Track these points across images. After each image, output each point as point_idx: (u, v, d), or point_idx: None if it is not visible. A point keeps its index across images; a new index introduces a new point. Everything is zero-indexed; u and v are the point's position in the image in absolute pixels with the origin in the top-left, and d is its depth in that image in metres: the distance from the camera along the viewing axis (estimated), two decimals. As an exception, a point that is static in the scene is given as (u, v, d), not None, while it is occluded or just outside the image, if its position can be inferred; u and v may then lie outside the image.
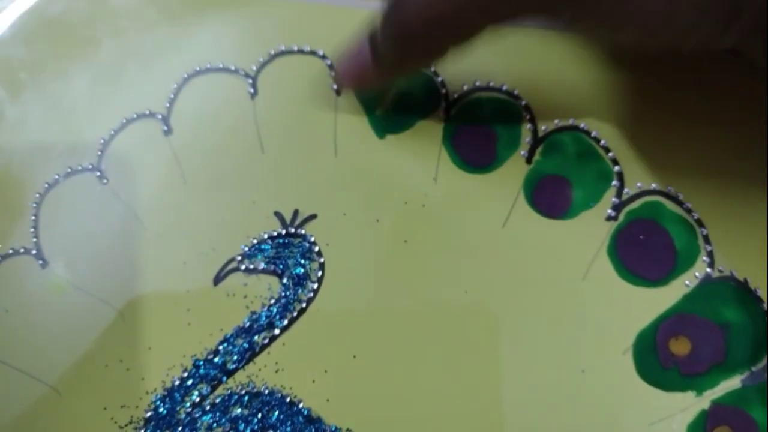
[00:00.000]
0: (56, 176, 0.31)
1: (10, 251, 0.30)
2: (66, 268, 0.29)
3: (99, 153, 0.31)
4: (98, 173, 0.30)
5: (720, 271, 0.26)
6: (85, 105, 0.32)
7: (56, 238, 0.30)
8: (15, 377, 0.28)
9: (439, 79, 0.30)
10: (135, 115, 0.31)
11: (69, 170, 0.31)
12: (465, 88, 0.29)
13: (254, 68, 0.31)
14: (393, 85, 0.30)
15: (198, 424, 0.26)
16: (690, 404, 0.25)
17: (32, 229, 0.30)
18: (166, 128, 0.31)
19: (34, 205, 0.30)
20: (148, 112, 0.31)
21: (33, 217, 0.30)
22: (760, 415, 0.24)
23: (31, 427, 0.27)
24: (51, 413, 0.27)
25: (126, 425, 0.27)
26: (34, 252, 0.30)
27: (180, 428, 0.26)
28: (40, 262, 0.29)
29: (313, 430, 0.26)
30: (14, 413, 0.28)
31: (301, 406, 0.26)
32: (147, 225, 0.29)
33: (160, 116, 0.31)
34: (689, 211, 0.27)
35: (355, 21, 0.31)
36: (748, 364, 0.25)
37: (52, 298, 0.29)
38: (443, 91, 0.30)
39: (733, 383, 0.25)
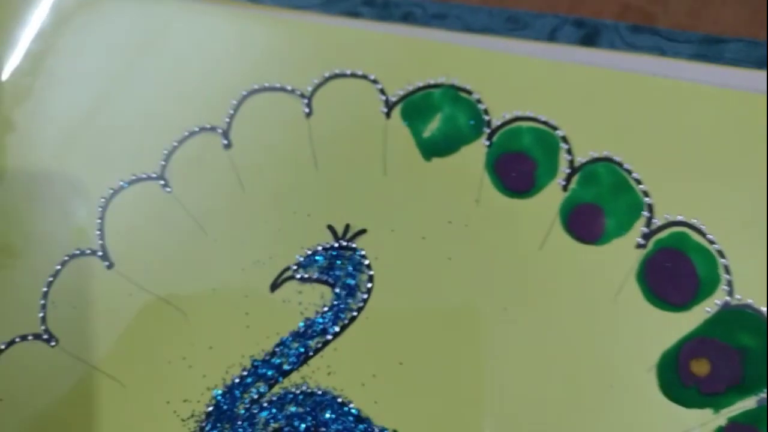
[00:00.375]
0: (121, 183, 0.33)
1: (77, 252, 0.32)
2: (131, 269, 0.32)
3: (162, 163, 0.33)
4: (162, 182, 0.33)
5: (738, 299, 0.28)
6: (148, 117, 0.34)
7: (122, 241, 0.32)
8: (83, 370, 0.30)
9: (482, 107, 0.32)
10: (197, 128, 0.33)
11: (133, 177, 0.33)
12: (506, 116, 0.32)
13: (309, 89, 0.33)
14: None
15: (256, 420, 0.29)
16: (707, 421, 0.27)
17: (98, 232, 0.32)
18: (226, 142, 0.33)
19: (100, 209, 0.33)
20: (209, 126, 0.33)
21: (99, 220, 0.32)
22: (771, 432, 0.27)
23: (97, 419, 0.30)
24: (117, 406, 0.30)
25: (188, 418, 0.29)
26: (100, 253, 0.32)
27: (239, 422, 0.29)
28: (107, 263, 0.32)
29: (362, 429, 0.28)
30: (82, 405, 0.30)
31: (351, 406, 0.28)
32: (208, 232, 0.32)
33: (220, 130, 0.33)
34: (712, 242, 0.29)
35: (404, 48, 0.34)
36: (764, 386, 0.27)
37: (118, 297, 0.31)
38: (486, 118, 0.32)
39: (748, 403, 0.27)
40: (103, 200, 0.33)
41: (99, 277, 0.32)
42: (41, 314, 0.31)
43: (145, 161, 0.33)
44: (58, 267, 0.32)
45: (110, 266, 0.32)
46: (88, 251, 0.32)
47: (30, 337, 0.31)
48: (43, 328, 0.31)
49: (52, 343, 0.31)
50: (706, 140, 0.30)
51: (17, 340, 0.31)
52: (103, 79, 0.35)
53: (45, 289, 0.32)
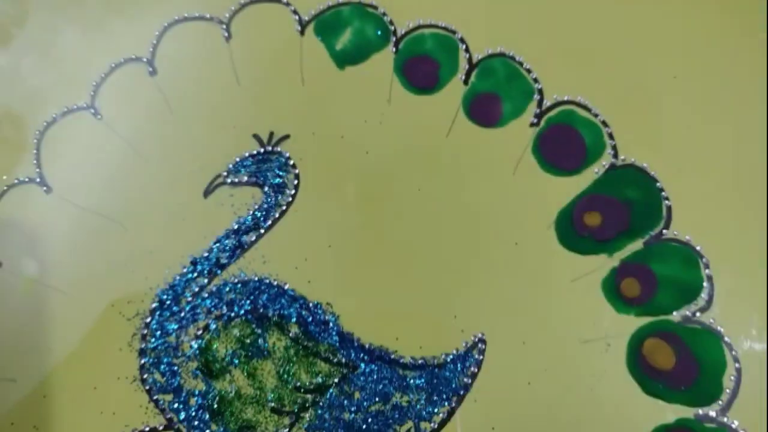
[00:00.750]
0: (54, 115, 0.35)
1: (16, 181, 0.33)
2: (69, 192, 0.33)
3: (92, 93, 0.35)
4: (92, 110, 0.34)
5: (623, 160, 0.32)
6: (75, 53, 0.36)
7: (59, 168, 0.34)
8: (25, 285, 0.32)
9: (388, 19, 0.35)
10: (122, 60, 0.35)
11: (65, 109, 0.35)
12: (410, 25, 0.35)
13: (227, 15, 0.36)
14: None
15: (198, 310, 0.31)
16: (603, 264, 0.31)
17: (35, 161, 0.34)
18: (151, 69, 0.35)
19: (35, 141, 0.34)
20: (134, 57, 0.35)
21: (35, 151, 0.34)
22: (659, 267, 0.30)
23: (44, 328, 0.31)
24: (61, 314, 0.31)
25: (133, 317, 0.31)
26: (38, 180, 0.33)
27: (182, 314, 0.31)
28: (44, 188, 0.33)
29: (298, 306, 0.30)
30: (26, 315, 0.31)
31: (286, 287, 0.31)
32: (140, 152, 0.34)
33: (145, 59, 0.35)
34: (596, 115, 0.33)
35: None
36: (648, 229, 0.31)
37: (58, 218, 0.33)
38: (392, 28, 0.35)
39: (636, 245, 0.31)
40: (38, 132, 0.34)
41: (39, 201, 0.33)
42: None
43: (76, 94, 0.35)
44: (-2, 197, 0.33)
45: (48, 191, 0.33)
46: (27, 179, 0.33)
47: (-27, 265, 0.32)
48: (-14, 254, 0.32)
49: (-3, 266, 0.32)
50: (585, 26, 0.34)
51: (-39, 268, 0.32)
52: (35, 18, 0.36)
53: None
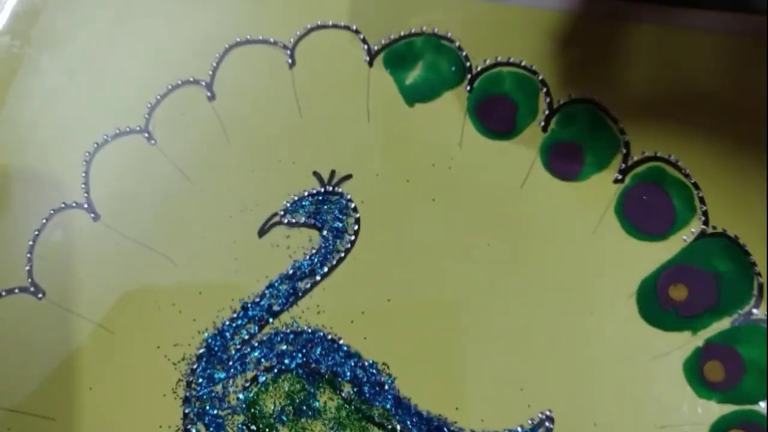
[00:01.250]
0: (105, 137, 0.33)
1: (62, 205, 0.32)
2: (117, 221, 0.32)
3: (147, 116, 0.33)
4: (146, 134, 0.33)
5: (714, 228, 0.29)
6: (131, 72, 0.34)
7: (107, 194, 0.32)
8: (71, 320, 0.30)
9: (463, 53, 0.33)
10: (180, 82, 0.33)
11: (117, 131, 0.33)
12: (487, 62, 0.32)
13: (292, 41, 0.34)
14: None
15: (247, 359, 0.29)
16: (686, 342, 0.28)
17: (83, 185, 0.32)
18: (209, 94, 0.33)
19: (85, 163, 0.33)
20: (192, 79, 0.33)
21: (83, 174, 0.32)
22: (746, 350, 0.28)
23: (88, 368, 0.30)
24: (106, 353, 0.30)
25: (179, 362, 0.29)
26: (85, 206, 0.32)
27: (230, 363, 0.29)
28: (92, 215, 0.32)
29: (352, 363, 0.28)
30: (72, 355, 0.30)
31: (341, 342, 0.29)
32: (194, 182, 0.32)
33: (203, 83, 0.33)
34: (687, 175, 0.30)
35: (385, -1, 0.34)
36: (737, 307, 0.28)
37: (105, 248, 0.31)
38: (467, 64, 0.32)
39: (723, 324, 0.28)
40: (87, 154, 0.33)
41: (85, 230, 0.32)
42: (27, 268, 0.31)
43: (129, 116, 0.33)
44: (44, 221, 0.32)
45: (96, 218, 0.32)
46: (74, 204, 0.32)
47: (16, 291, 0.31)
48: (29, 281, 0.31)
49: (39, 296, 0.31)
50: (680, 80, 0.31)
51: (3, 293, 0.31)
52: (87, 37, 0.35)
53: (30, 243, 0.32)
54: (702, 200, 0.30)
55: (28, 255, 0.31)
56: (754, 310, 0.28)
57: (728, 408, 0.27)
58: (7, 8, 0.36)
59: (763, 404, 0.27)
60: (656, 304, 0.29)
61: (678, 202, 0.30)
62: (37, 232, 0.32)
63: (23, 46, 0.35)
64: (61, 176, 0.33)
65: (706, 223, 0.30)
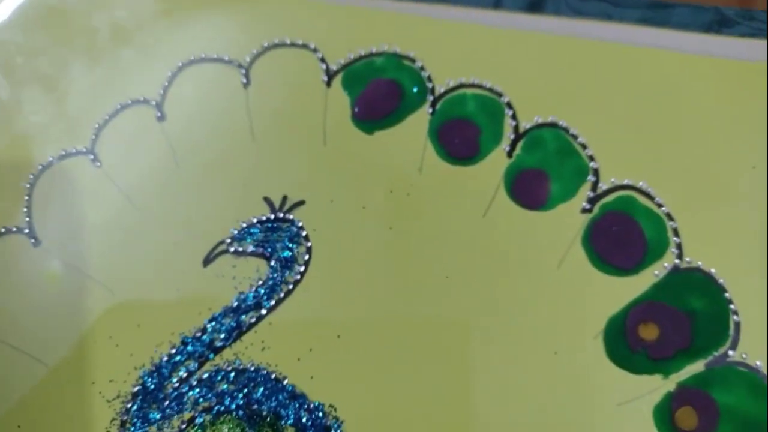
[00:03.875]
0: (50, 158, 0.31)
1: (3, 230, 0.30)
2: (58, 247, 0.30)
3: (93, 137, 0.31)
4: (92, 156, 0.31)
5: (687, 262, 0.27)
6: (80, 90, 0.33)
7: (49, 218, 0.30)
8: (2, 351, 0.29)
9: (426, 74, 0.31)
10: (129, 101, 0.32)
11: (63, 153, 0.31)
12: (450, 83, 0.31)
13: (247, 59, 0.32)
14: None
15: (185, 399, 0.27)
16: (657, 386, 0.26)
17: (25, 209, 0.31)
18: (159, 114, 0.32)
19: (28, 185, 0.31)
20: (142, 99, 0.32)
21: (26, 197, 0.31)
22: (721, 395, 0.26)
23: (18, 399, 0.28)
24: (38, 386, 0.28)
25: (113, 399, 0.27)
26: (26, 231, 0.30)
27: (167, 402, 0.27)
28: (32, 240, 0.30)
29: (297, 405, 0.26)
30: (2, 387, 0.28)
31: (285, 382, 0.27)
32: (139, 207, 0.30)
33: (154, 103, 0.32)
34: (660, 205, 0.28)
35: (345, 17, 0.33)
36: (712, 349, 0.26)
37: (43, 276, 0.29)
38: (430, 85, 0.31)
39: (697, 367, 0.26)
40: (31, 176, 0.31)
41: (25, 255, 0.30)
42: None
43: (76, 136, 0.32)
44: (-18, 246, 0.30)
45: (36, 243, 0.30)
46: (14, 229, 0.30)
47: (-51, 321, 0.29)
48: (-37, 310, 0.29)
49: (-28, 326, 0.29)
50: (652, 103, 0.30)
51: (-65, 323, 0.29)
52: (39, 52, 0.34)
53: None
54: (676, 232, 0.28)
55: (-37, 282, 0.30)
56: (730, 352, 0.26)
57: (702, 459, 0.25)
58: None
59: (739, 455, 0.25)
60: (625, 344, 0.27)
61: (650, 234, 0.28)
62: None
63: (-29, 63, 0.34)
64: (2, 199, 0.31)
65: (679, 256, 0.28)
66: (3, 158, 0.32)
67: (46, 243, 0.30)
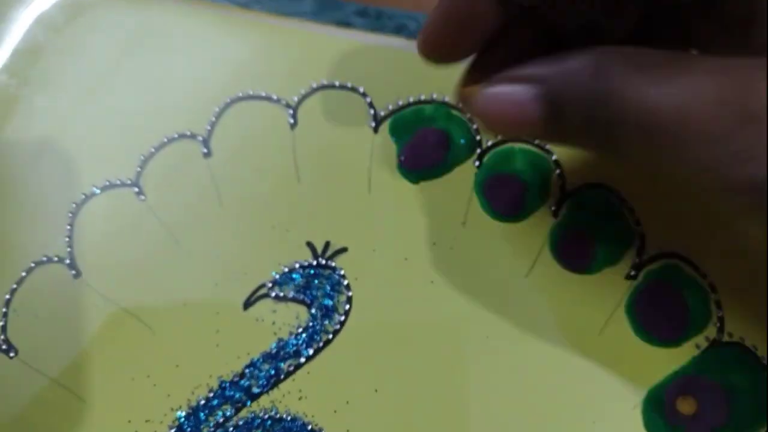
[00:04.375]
0: (94, 188, 0.31)
1: (44, 259, 0.31)
2: (98, 280, 0.30)
3: (138, 169, 0.32)
4: (136, 189, 0.31)
5: (729, 336, 0.27)
6: (127, 121, 0.33)
7: (91, 249, 0.31)
8: (42, 383, 0.29)
9: (474, 126, 0.31)
10: (176, 135, 0.32)
11: (107, 183, 0.32)
12: (499, 137, 0.31)
13: (296, 99, 0.32)
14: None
15: (221, 445, 0.27)
16: (693, 463, 0.26)
17: (67, 239, 0.31)
18: (206, 150, 0.32)
19: (70, 215, 0.31)
20: (189, 133, 0.32)
21: (68, 227, 0.31)
22: (757, 478, 0.26)
23: (54, 433, 0.28)
24: (75, 422, 0.28)
25: (148, 441, 0.28)
26: (67, 262, 0.30)
27: (205, 445, 0.27)
28: (73, 272, 0.30)
29: (332, 459, 0.27)
30: (39, 420, 0.28)
31: (322, 434, 0.27)
32: (181, 244, 0.30)
33: (200, 138, 0.32)
34: (704, 276, 0.28)
35: (395, 61, 0.33)
36: (751, 427, 0.26)
37: (83, 308, 0.30)
38: (477, 138, 0.31)
39: (734, 447, 0.26)
40: (74, 206, 0.31)
41: (65, 287, 0.30)
42: (1, 323, 0.30)
43: (120, 167, 0.32)
44: (23, 274, 0.30)
45: (77, 275, 0.30)
46: (56, 259, 0.30)
47: (-11, 355, 0.29)
48: (2, 338, 0.29)
49: (11, 354, 0.29)
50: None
51: (-26, 349, 0.29)
52: (85, 81, 0.34)
53: (7, 297, 0.30)
54: (718, 304, 0.28)
55: (4, 309, 0.30)
56: (769, 432, 0.26)
57: None
58: (8, 46, 0.34)
59: None
60: (663, 417, 0.27)
61: (693, 305, 0.28)
62: (15, 286, 0.30)
63: (20, 86, 0.34)
64: (45, 227, 0.31)
65: (721, 330, 0.27)
66: (48, 185, 0.32)
67: (86, 275, 0.30)
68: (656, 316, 0.28)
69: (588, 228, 0.29)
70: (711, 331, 0.28)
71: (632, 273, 0.28)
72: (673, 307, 0.28)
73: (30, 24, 0.35)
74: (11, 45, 0.35)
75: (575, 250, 0.29)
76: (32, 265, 0.30)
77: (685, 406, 0.27)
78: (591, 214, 0.29)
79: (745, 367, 0.27)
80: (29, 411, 0.28)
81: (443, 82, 0.31)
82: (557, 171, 0.30)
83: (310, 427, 0.27)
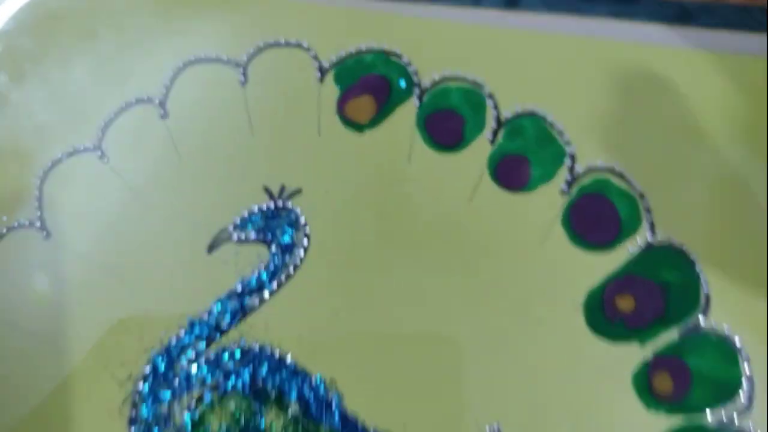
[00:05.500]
0: (59, 155, 0.33)
1: (16, 224, 0.32)
2: (68, 239, 0.32)
3: (100, 134, 0.33)
4: (99, 152, 0.33)
5: (659, 238, 0.30)
6: (86, 91, 0.34)
7: (59, 211, 0.32)
8: (17, 336, 0.30)
9: (413, 69, 0.33)
10: (134, 100, 0.34)
11: (71, 150, 0.33)
12: (436, 77, 0.33)
13: (245, 58, 0.34)
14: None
15: (193, 378, 0.29)
16: (634, 354, 0.28)
17: (36, 203, 0.32)
18: (162, 112, 0.33)
19: (38, 181, 0.33)
20: (146, 98, 0.34)
21: (37, 192, 0.33)
22: (694, 362, 0.28)
23: (31, 385, 0.30)
24: (52, 371, 0.30)
25: (125, 380, 0.29)
26: (38, 224, 0.32)
27: (177, 381, 0.29)
28: (44, 233, 0.32)
29: (300, 380, 0.28)
30: (15, 371, 0.30)
31: (288, 359, 0.29)
32: (145, 199, 0.32)
33: (157, 101, 0.34)
34: (632, 185, 0.30)
35: (335, 17, 0.35)
36: (684, 317, 0.28)
37: (54, 266, 0.31)
38: (416, 80, 0.33)
39: (671, 335, 0.28)
40: (41, 172, 0.33)
41: (36, 248, 0.32)
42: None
43: (84, 134, 0.33)
44: (-5, 241, 0.32)
45: (47, 236, 0.32)
46: (27, 223, 0.32)
47: (-33, 311, 0.31)
48: (-20, 300, 0.31)
49: (-11, 315, 0.31)
50: (623, 92, 0.32)
51: (-47, 314, 0.31)
52: (49, 56, 0.35)
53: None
54: (648, 210, 0.30)
55: (-21, 275, 0.31)
56: (702, 321, 0.28)
57: (676, 420, 0.27)
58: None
59: (711, 416, 0.27)
60: (603, 315, 0.29)
61: (624, 213, 0.30)
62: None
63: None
64: (17, 193, 0.33)
65: (652, 233, 0.30)
66: (14, 156, 0.33)
67: (55, 235, 0.32)
68: (590, 225, 0.30)
69: (523, 151, 0.31)
70: (642, 235, 0.30)
71: (565, 189, 0.31)
72: (604, 216, 0.30)
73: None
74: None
75: (512, 172, 0.31)
76: (4, 230, 0.32)
77: (624, 303, 0.29)
78: (525, 139, 0.31)
79: (676, 264, 0.29)
80: (4, 362, 0.30)
81: (380, 32, 0.34)
82: (491, 103, 0.32)
83: (277, 354, 0.29)
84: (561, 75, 0.32)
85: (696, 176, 0.30)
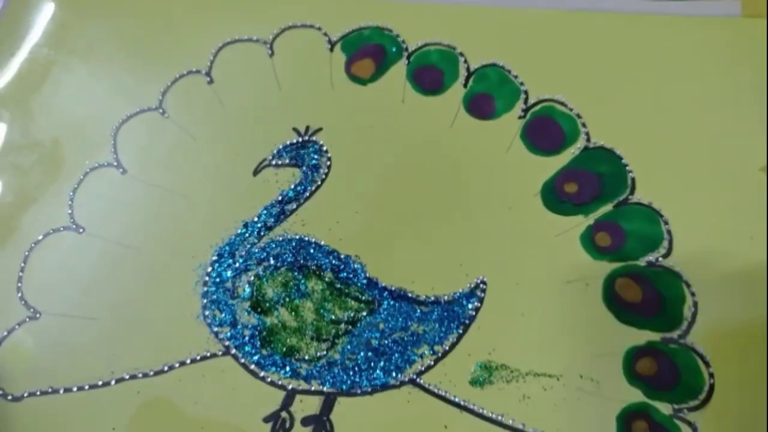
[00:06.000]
0: (127, 113, 0.42)
1: (96, 164, 0.41)
2: (140, 172, 0.40)
3: (161, 97, 0.43)
4: (161, 110, 0.42)
5: (594, 143, 0.40)
6: (147, 68, 0.44)
7: (131, 154, 0.41)
8: (101, 245, 0.38)
9: (401, 38, 0.44)
10: (185, 71, 0.43)
11: (137, 109, 0.42)
12: (419, 43, 0.43)
13: (270, 37, 0.44)
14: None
15: (250, 261, 0.37)
16: (580, 223, 0.38)
17: (112, 151, 0.41)
18: (209, 79, 0.43)
19: (112, 135, 0.42)
20: (195, 70, 0.43)
21: (112, 143, 0.41)
22: (626, 224, 0.37)
23: (118, 282, 0.38)
24: (137, 267, 0.38)
25: (197, 268, 0.37)
26: (115, 164, 0.41)
27: (237, 264, 0.37)
28: (121, 170, 0.41)
29: (332, 257, 0.37)
30: (105, 270, 0.38)
31: (322, 243, 0.37)
32: (200, 141, 0.41)
33: (203, 71, 0.43)
34: (571, 109, 0.41)
35: (341, 3, 0.45)
36: (617, 195, 0.38)
37: (133, 194, 0.40)
38: (404, 45, 0.43)
39: (607, 208, 0.38)
40: (113, 128, 0.42)
41: (118, 181, 0.40)
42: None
43: (146, 99, 0.43)
44: (81, 177, 0.40)
45: (124, 172, 0.40)
46: (105, 164, 0.41)
47: (61, 229, 0.39)
48: (71, 221, 0.39)
49: (80, 231, 0.39)
50: (562, 37, 0.43)
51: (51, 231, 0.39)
52: (113, 41, 0.45)
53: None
54: (584, 125, 0.40)
55: (70, 201, 0.40)
56: (630, 196, 0.38)
57: (616, 264, 0.37)
58: (40, 26, 0.46)
59: (642, 259, 0.36)
60: (555, 197, 0.38)
61: (566, 128, 0.40)
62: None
63: (57, 54, 0.45)
64: (94, 143, 0.42)
65: (588, 140, 0.40)
66: (89, 118, 0.42)
67: (131, 170, 0.40)
68: (542, 137, 0.40)
69: (489, 90, 0.42)
70: (581, 142, 0.40)
71: (522, 114, 0.41)
72: (553, 131, 0.40)
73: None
74: (42, 24, 0.46)
75: (482, 105, 0.41)
76: (87, 170, 0.41)
77: (570, 188, 0.39)
78: (489, 82, 0.42)
79: (607, 160, 0.39)
80: (98, 266, 0.38)
81: (376, 14, 0.45)
82: (462, 59, 0.43)
83: (313, 240, 0.38)
84: (514, 31, 0.43)
85: (627, 97, 0.41)
